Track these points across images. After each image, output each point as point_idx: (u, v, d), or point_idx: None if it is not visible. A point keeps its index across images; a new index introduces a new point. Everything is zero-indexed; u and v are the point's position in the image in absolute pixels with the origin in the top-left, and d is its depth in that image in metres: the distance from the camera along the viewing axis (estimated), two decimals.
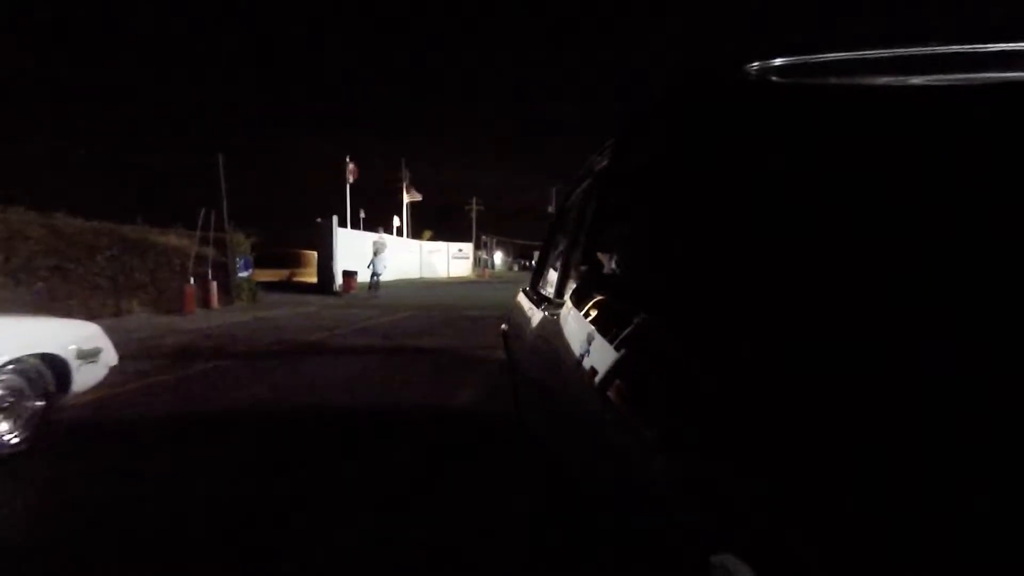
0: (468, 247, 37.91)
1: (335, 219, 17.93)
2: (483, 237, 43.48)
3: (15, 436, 2.69)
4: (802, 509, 0.47)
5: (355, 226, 22.97)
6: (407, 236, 30.03)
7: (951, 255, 0.52)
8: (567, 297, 1.50)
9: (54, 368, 2.86)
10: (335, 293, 16.85)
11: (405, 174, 31.14)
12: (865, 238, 0.59)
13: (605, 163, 1.51)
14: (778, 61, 0.89)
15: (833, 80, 0.85)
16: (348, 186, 23.79)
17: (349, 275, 17.69)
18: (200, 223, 11.04)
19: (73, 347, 2.95)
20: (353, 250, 19.39)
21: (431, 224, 37.41)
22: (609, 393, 0.92)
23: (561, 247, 1.99)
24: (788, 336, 0.60)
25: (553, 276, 1.93)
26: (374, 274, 16.95)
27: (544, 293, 2.08)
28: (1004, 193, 0.53)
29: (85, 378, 3.04)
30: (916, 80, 0.79)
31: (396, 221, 29.14)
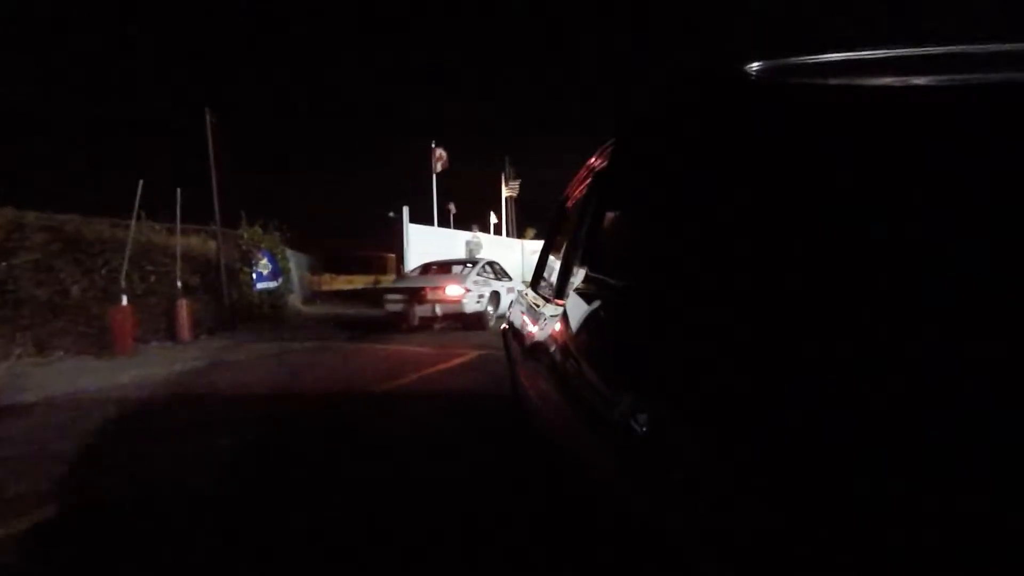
0: None
1: (406, 212, 14.01)
2: None
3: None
4: (799, 510, 0.47)
5: (444, 222, 19.17)
6: (507, 234, 25.97)
7: (952, 255, 0.51)
8: (567, 297, 1.48)
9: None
10: None
11: (510, 172, 27.45)
12: (866, 238, 0.59)
13: (605, 163, 1.49)
14: (778, 61, 0.89)
15: (833, 80, 0.83)
16: (435, 176, 19.97)
17: None
18: (137, 203, 6.92)
19: (512, 284, 9.09)
20: (435, 250, 15.47)
21: (537, 222, 33.26)
22: (608, 391, 0.93)
23: (561, 247, 1.95)
24: (791, 336, 0.59)
25: (553, 276, 1.89)
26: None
27: (544, 293, 2.03)
28: (1004, 193, 0.53)
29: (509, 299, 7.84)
30: (916, 80, 0.77)
31: (493, 218, 25.22)
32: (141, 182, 6.67)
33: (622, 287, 1.08)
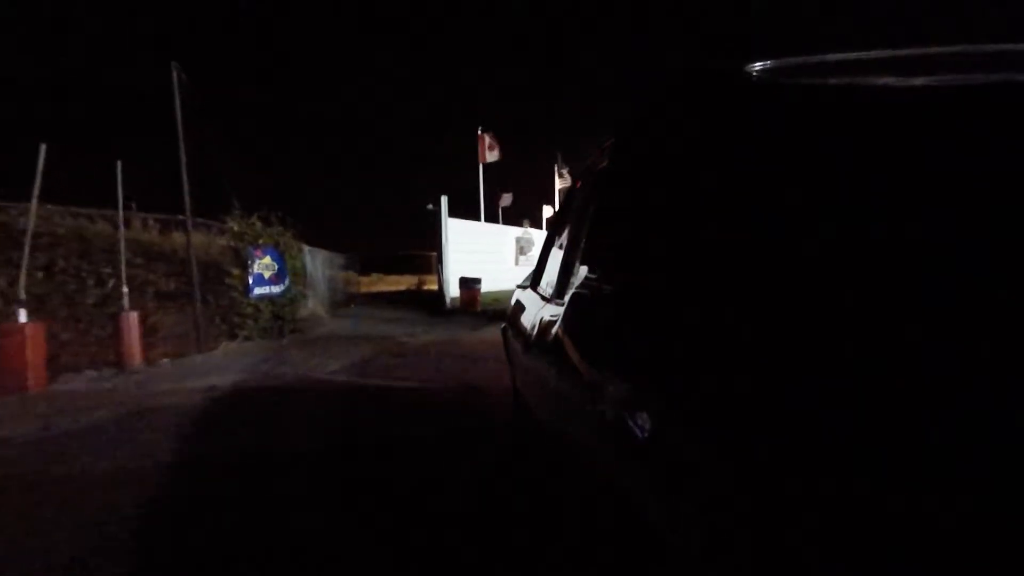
0: None
1: (444, 203, 11.97)
2: None
3: None
4: (798, 509, 0.47)
5: (492, 217, 17.23)
6: None
7: (952, 254, 0.51)
8: (567, 297, 1.47)
9: None
10: (445, 312, 11.03)
11: (563, 165, 25.45)
12: (866, 237, 0.58)
13: (605, 163, 1.48)
14: (778, 61, 0.88)
15: (833, 80, 0.82)
16: (482, 167, 17.95)
17: (469, 284, 11.66)
18: (39, 176, 4.91)
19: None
20: (481, 248, 13.46)
21: None
22: (608, 391, 0.92)
23: (561, 247, 1.93)
24: (791, 336, 0.58)
25: (553, 276, 1.87)
26: None
27: (544, 293, 2.02)
28: (1004, 193, 0.53)
29: None
30: (916, 80, 0.76)
31: (547, 212, 23.22)
32: (44, 146, 4.88)
33: (622, 287, 1.09)
